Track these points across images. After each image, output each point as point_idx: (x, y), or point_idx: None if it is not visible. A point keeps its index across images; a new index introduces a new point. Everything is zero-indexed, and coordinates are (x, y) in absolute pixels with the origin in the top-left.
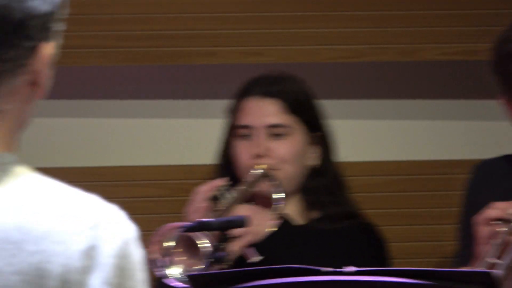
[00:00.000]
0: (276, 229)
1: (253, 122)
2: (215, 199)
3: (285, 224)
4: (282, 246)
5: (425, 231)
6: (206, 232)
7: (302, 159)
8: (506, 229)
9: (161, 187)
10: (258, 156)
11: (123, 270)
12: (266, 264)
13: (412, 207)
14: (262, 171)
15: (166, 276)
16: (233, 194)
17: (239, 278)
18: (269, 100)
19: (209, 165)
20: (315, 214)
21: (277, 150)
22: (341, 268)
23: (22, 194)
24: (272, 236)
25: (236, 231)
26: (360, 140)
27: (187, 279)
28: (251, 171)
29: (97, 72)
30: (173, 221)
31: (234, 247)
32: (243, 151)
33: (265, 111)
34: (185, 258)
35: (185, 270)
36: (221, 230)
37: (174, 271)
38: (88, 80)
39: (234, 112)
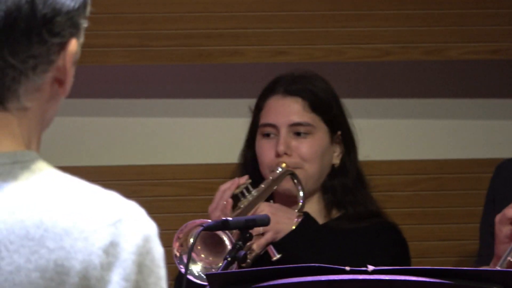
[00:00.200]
0: (297, 227)
1: (276, 121)
2: (237, 197)
3: (306, 223)
4: (303, 245)
5: (446, 230)
6: (227, 231)
7: (324, 158)
8: None
9: (183, 186)
10: (281, 154)
11: (143, 266)
12: (285, 263)
13: (433, 206)
14: (284, 169)
15: (186, 273)
16: (255, 192)
17: (260, 277)
18: (292, 98)
19: (231, 164)
20: (336, 213)
21: (300, 148)
22: (365, 267)
23: (42, 191)
24: (292, 234)
25: (257, 230)
26: (384, 139)
27: (207, 278)
28: (274, 170)
29: (121, 71)
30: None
31: (255, 246)
32: (266, 150)
33: (288, 110)
34: (206, 256)
35: (205, 268)
36: (243, 229)
37: (195, 269)
38: (112, 79)
39: (257, 110)
